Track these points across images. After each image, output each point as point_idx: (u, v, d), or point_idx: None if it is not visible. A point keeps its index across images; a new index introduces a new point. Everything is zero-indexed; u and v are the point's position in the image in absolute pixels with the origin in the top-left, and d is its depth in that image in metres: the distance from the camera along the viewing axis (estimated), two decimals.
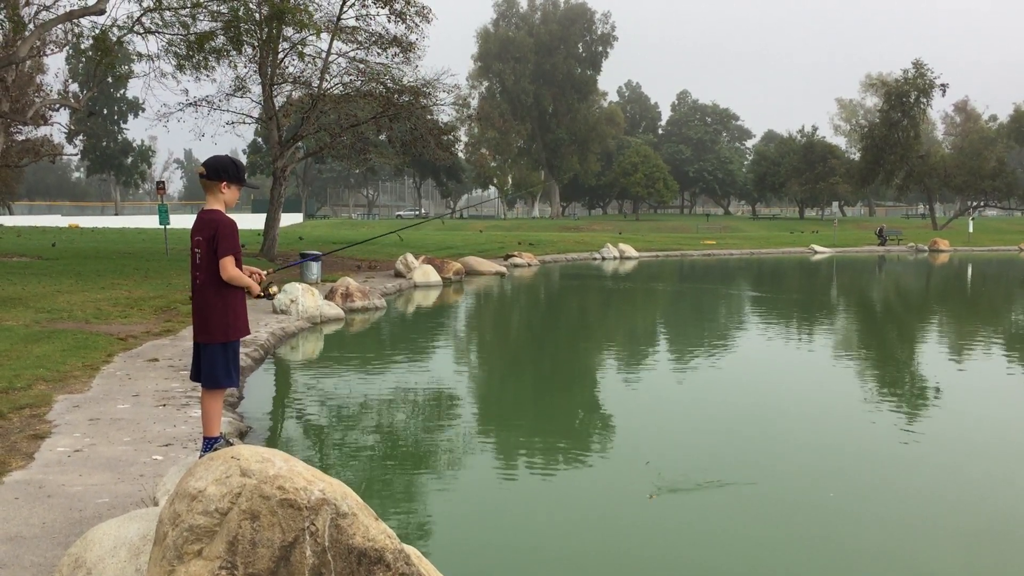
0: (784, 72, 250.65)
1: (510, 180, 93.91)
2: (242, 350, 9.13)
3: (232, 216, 5.08)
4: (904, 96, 64.31)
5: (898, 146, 65.15)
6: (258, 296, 5.16)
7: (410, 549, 3.92)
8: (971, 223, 59.14)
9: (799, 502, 6.40)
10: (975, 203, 76.28)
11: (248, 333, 5.19)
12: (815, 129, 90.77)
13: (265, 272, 5.26)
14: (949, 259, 42.87)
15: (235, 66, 27.90)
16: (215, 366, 5.00)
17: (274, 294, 5.32)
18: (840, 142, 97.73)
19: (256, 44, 26.95)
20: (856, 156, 79.51)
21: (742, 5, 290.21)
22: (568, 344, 15.31)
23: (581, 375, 12.19)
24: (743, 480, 6.79)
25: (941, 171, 68.92)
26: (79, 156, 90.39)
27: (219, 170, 4.98)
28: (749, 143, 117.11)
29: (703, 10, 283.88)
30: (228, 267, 4.90)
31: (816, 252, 47.49)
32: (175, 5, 26.37)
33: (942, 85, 63.59)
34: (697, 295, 24.37)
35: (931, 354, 14.04)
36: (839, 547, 5.56)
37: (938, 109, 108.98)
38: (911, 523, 6.06)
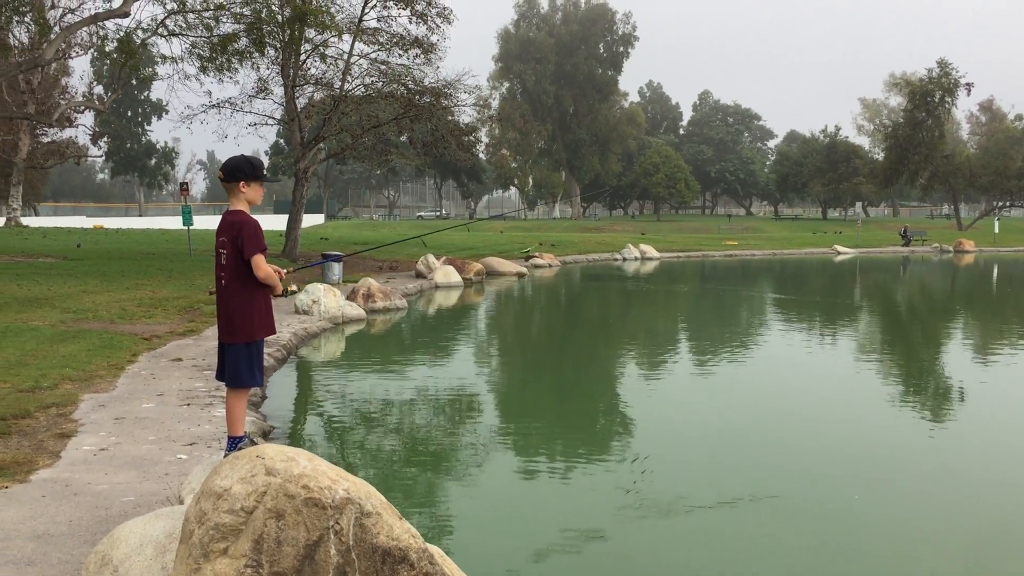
0: (806, 72, 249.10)
1: (531, 181, 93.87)
2: (265, 350, 9.17)
3: (254, 216, 5.11)
4: (928, 95, 63.70)
5: (922, 146, 64.55)
6: (278, 295, 5.19)
7: (433, 548, 3.92)
8: (997, 223, 58.54)
9: (825, 507, 6.35)
10: (1001, 203, 75.49)
11: (273, 332, 5.22)
12: (838, 129, 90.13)
13: (285, 271, 5.29)
14: (974, 260, 42.45)
15: (258, 68, 28.11)
16: (239, 365, 5.03)
17: (293, 292, 5.34)
18: (863, 142, 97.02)
19: (278, 46, 27.09)
20: (880, 156, 78.88)
21: (765, 5, 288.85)
22: (589, 346, 15.28)
23: (602, 378, 12.16)
24: (767, 483, 6.75)
25: (966, 171, 68.27)
26: (103, 158, 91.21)
27: (234, 170, 5.03)
28: (771, 143, 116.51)
29: (725, 10, 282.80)
30: (261, 265, 4.93)
31: (839, 253, 47.14)
32: (198, 8, 26.58)
33: (967, 84, 62.99)
34: (719, 297, 24.26)
35: (960, 358, 13.90)
36: (864, 552, 5.52)
37: (963, 108, 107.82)
38: (937, 527, 6.00)
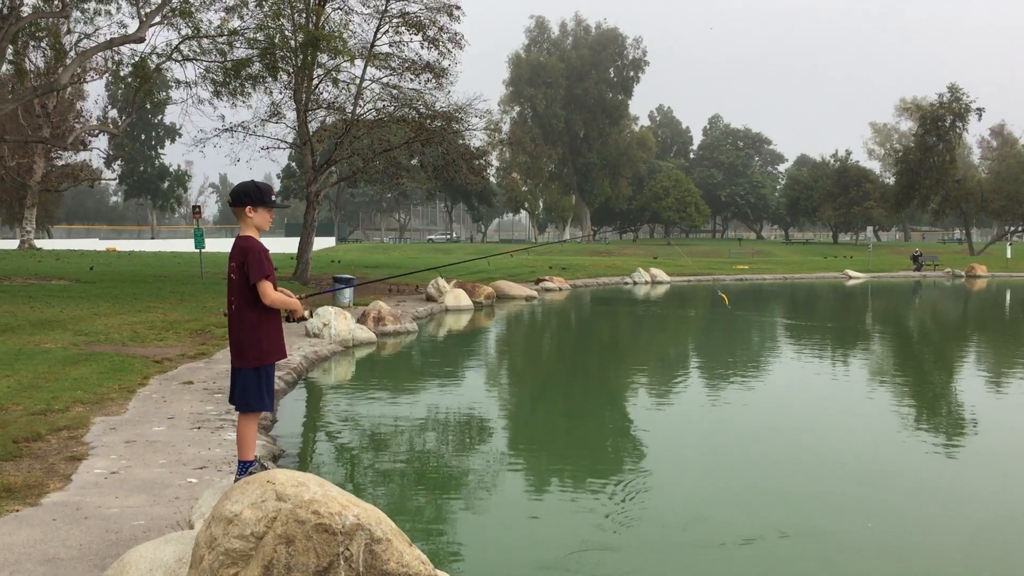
0: (816, 97, 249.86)
1: (541, 204, 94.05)
2: (275, 374, 9.18)
3: (264, 240, 5.15)
4: (939, 120, 63.65)
5: (933, 171, 64.39)
6: (297, 320, 5.21)
7: (443, 575, 3.91)
8: (1009, 248, 58.29)
9: (835, 535, 6.30)
10: (1013, 228, 75.22)
11: (284, 356, 5.23)
12: (849, 153, 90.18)
13: (297, 297, 5.31)
14: (987, 285, 42.24)
15: (270, 92, 28.37)
16: (248, 390, 5.05)
17: (305, 319, 5.35)
18: (874, 166, 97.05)
19: (291, 71, 27.34)
20: (891, 180, 78.80)
21: (774, 31, 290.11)
22: (598, 370, 15.25)
23: (612, 401, 12.12)
24: (775, 508, 6.70)
25: (978, 196, 68.08)
26: (117, 181, 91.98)
27: (241, 196, 5.08)
28: (781, 167, 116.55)
29: (735, 35, 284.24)
30: (268, 292, 4.96)
31: (850, 277, 47.00)
32: (213, 33, 26.87)
33: (978, 109, 62.93)
34: (730, 321, 24.18)
35: (974, 385, 13.80)
36: None
37: (974, 133, 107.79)
38: (950, 554, 5.95)
